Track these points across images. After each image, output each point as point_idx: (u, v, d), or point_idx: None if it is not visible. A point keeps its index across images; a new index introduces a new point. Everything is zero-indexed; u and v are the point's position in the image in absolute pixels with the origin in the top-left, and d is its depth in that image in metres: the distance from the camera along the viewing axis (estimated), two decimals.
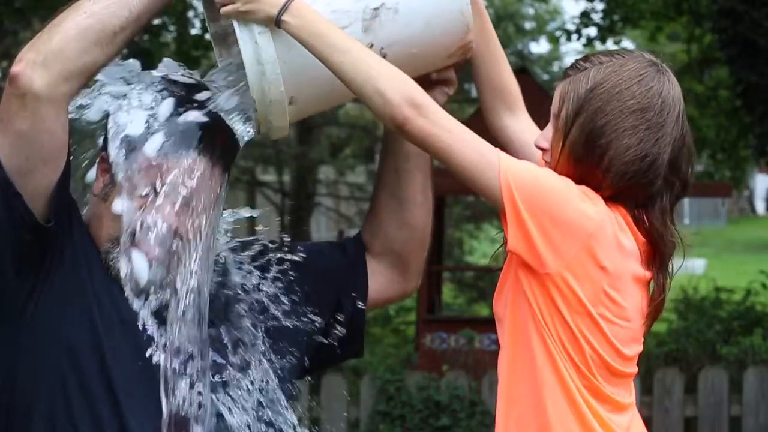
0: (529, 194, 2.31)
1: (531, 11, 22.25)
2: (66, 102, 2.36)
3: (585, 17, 13.42)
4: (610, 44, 13.92)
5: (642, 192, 2.40)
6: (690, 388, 8.18)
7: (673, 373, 8.24)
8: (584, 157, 2.37)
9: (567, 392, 2.36)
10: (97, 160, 2.52)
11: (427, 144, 2.34)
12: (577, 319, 2.34)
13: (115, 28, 2.37)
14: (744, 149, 14.41)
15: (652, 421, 8.05)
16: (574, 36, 13.51)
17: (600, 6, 13.39)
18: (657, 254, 2.42)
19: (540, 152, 2.50)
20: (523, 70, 10.92)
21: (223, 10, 2.39)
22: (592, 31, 13.46)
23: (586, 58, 2.45)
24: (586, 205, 2.34)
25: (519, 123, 2.64)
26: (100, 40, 2.36)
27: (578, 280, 2.32)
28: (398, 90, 2.32)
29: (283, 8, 2.36)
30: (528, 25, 21.91)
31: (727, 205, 27.66)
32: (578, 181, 2.39)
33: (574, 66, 2.45)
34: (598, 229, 2.34)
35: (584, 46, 13.49)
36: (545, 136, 2.45)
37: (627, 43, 18.37)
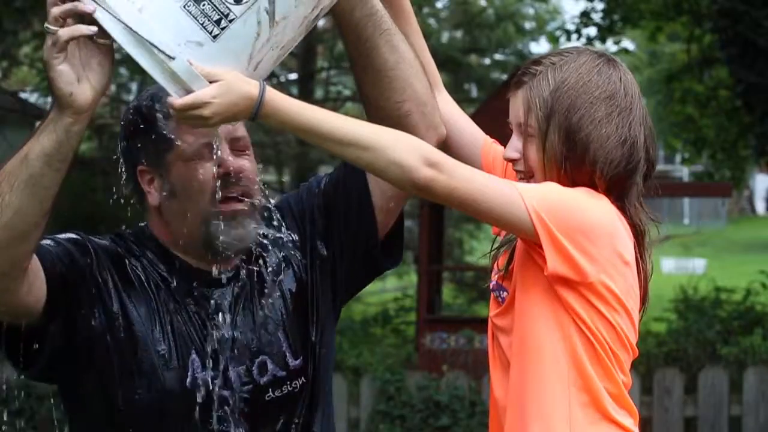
0: (557, 216, 2.33)
1: (531, 11, 22.20)
2: (23, 274, 2.31)
3: (585, 17, 13.44)
4: (610, 44, 13.93)
5: (628, 180, 2.43)
6: (690, 388, 8.19)
7: (673, 373, 8.24)
8: (568, 155, 2.40)
9: (598, 393, 2.38)
10: (138, 174, 2.52)
11: (452, 198, 2.30)
12: (617, 318, 2.39)
13: (32, 226, 2.27)
14: (744, 149, 14.41)
15: (652, 421, 8.06)
16: (574, 36, 13.52)
17: (600, 6, 13.41)
18: (640, 240, 2.47)
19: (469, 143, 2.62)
20: None
21: (195, 129, 2.31)
22: (592, 31, 13.49)
23: (536, 62, 2.46)
24: (598, 204, 2.39)
25: (442, 98, 2.67)
26: (23, 240, 2.28)
27: (614, 280, 2.37)
28: (412, 154, 2.27)
29: (256, 115, 2.24)
30: (528, 25, 21.85)
31: (727, 205, 27.63)
32: (571, 184, 2.41)
33: (526, 72, 2.45)
34: (614, 226, 2.39)
35: (584, 45, 13.49)
36: (514, 147, 2.45)
37: (627, 43, 18.37)
